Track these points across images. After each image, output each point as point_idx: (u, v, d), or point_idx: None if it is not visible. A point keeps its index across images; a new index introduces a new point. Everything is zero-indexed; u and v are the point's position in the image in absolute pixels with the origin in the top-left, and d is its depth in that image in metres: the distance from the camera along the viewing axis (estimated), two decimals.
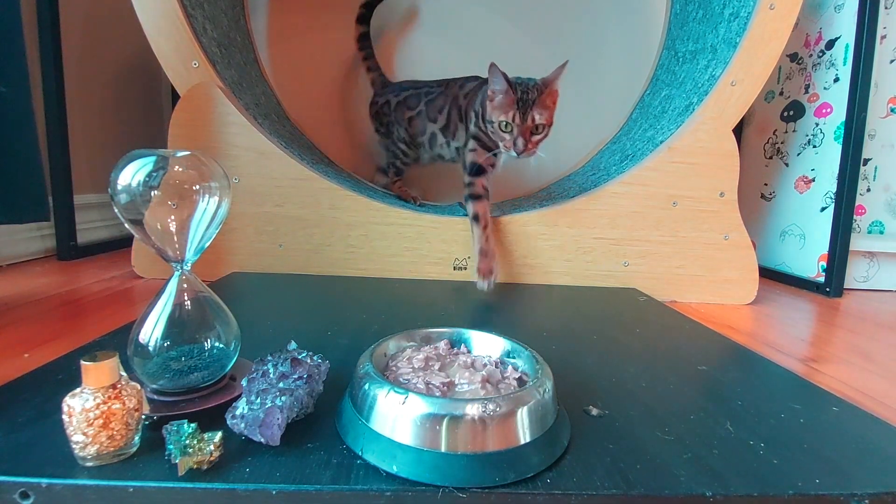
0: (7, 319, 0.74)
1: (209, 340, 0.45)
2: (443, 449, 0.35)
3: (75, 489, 0.33)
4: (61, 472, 0.34)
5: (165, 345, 0.43)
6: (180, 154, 0.43)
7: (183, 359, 0.44)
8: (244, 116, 1.00)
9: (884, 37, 1.21)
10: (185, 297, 0.45)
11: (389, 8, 1.53)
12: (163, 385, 0.43)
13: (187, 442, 0.34)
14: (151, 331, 0.43)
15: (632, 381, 0.55)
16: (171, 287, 0.45)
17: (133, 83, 1.48)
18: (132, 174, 0.40)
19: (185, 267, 0.46)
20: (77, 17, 1.25)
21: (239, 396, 0.40)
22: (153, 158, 0.41)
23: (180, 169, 0.42)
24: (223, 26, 1.16)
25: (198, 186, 0.43)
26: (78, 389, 0.34)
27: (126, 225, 0.43)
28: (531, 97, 0.89)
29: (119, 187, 0.40)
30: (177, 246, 0.44)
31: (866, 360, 0.77)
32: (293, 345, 0.46)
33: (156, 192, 0.41)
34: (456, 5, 1.51)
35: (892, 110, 1.24)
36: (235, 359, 0.47)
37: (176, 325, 0.44)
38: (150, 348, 0.43)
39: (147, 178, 0.41)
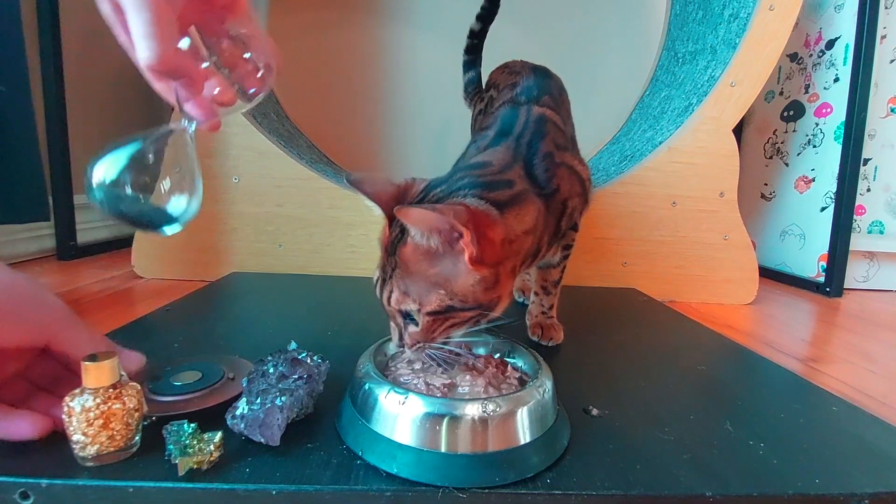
0: None
1: (167, 182, 0.43)
2: (443, 449, 0.35)
3: (75, 489, 0.33)
4: (61, 472, 0.33)
5: (129, 171, 0.41)
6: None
7: (139, 186, 0.41)
8: (244, 116, 1.00)
9: (884, 37, 1.21)
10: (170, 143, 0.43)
11: (385, 7, 1.53)
12: (107, 210, 0.41)
13: (187, 442, 0.34)
14: (121, 154, 0.41)
15: (632, 381, 0.55)
16: (164, 131, 0.43)
17: (133, 83, 1.48)
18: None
19: (191, 125, 0.44)
20: (77, 17, 1.25)
21: (239, 396, 0.40)
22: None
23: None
24: None
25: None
26: (78, 389, 0.34)
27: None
28: (387, 241, 0.47)
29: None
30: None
31: (866, 360, 0.77)
32: (293, 345, 0.46)
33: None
34: (454, 5, 1.51)
35: (892, 110, 1.24)
36: (194, 213, 0.45)
37: (145, 158, 0.42)
38: (114, 169, 0.40)
39: None
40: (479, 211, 0.45)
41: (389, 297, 0.45)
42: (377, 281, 0.47)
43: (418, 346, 0.46)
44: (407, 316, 0.46)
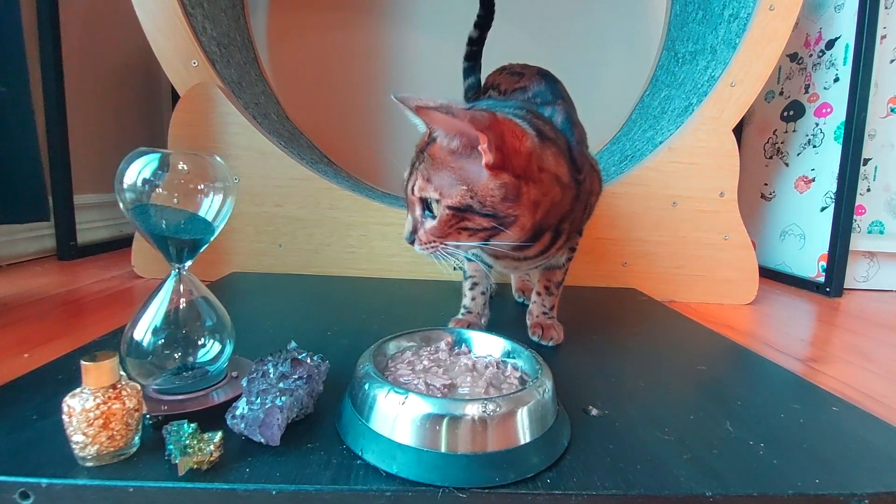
0: (7, 319, 0.74)
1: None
2: (443, 449, 0.35)
3: (75, 489, 0.33)
4: (61, 472, 0.34)
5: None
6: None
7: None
8: (244, 116, 1.00)
9: (884, 37, 1.21)
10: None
11: (385, 7, 1.53)
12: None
13: (187, 442, 0.34)
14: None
15: (632, 381, 0.55)
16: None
17: (133, 83, 1.48)
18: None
19: (183, 266, 0.46)
20: (77, 17, 1.25)
21: (239, 396, 0.40)
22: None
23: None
24: (223, 25, 1.16)
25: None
26: (78, 389, 0.34)
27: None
28: (422, 144, 0.52)
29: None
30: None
31: (866, 360, 0.77)
32: (293, 345, 0.46)
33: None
34: (454, 5, 1.51)
35: (892, 110, 1.24)
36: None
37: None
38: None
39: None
40: (506, 119, 0.47)
41: (413, 186, 0.49)
42: (406, 176, 0.51)
43: (431, 243, 0.50)
44: (426, 208, 0.49)
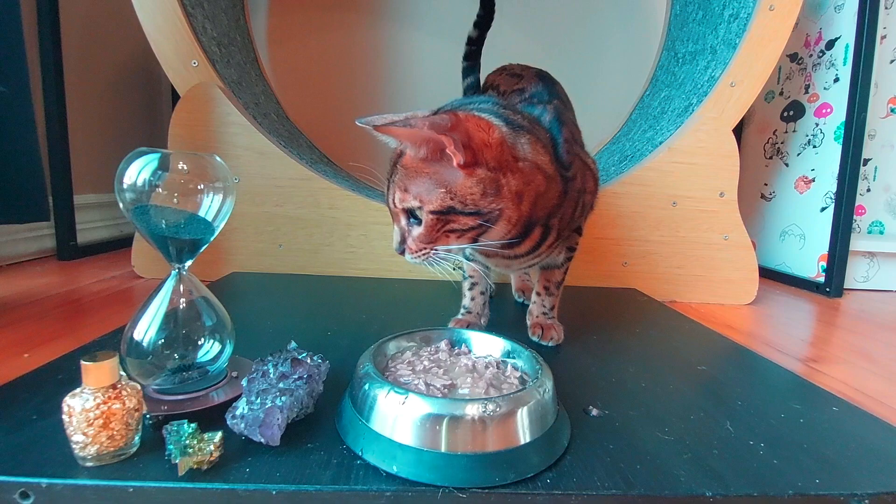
0: (7, 319, 0.74)
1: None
2: (443, 449, 0.35)
3: (75, 489, 0.33)
4: (61, 472, 0.34)
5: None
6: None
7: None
8: (244, 116, 1.00)
9: (884, 37, 1.21)
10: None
11: (385, 7, 1.53)
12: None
13: (187, 442, 0.34)
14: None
15: (632, 381, 0.55)
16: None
17: (133, 83, 1.48)
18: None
19: (183, 266, 0.46)
20: (77, 17, 1.25)
21: (239, 396, 0.40)
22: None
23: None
24: (223, 25, 1.16)
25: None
26: (78, 389, 0.34)
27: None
28: (395, 157, 0.52)
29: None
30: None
31: (866, 360, 0.77)
32: (293, 345, 0.46)
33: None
34: (454, 5, 1.51)
35: (892, 110, 1.24)
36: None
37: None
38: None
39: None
40: (469, 116, 0.47)
41: (394, 199, 0.50)
42: (385, 190, 0.52)
43: (422, 251, 0.50)
44: (411, 216, 0.49)
